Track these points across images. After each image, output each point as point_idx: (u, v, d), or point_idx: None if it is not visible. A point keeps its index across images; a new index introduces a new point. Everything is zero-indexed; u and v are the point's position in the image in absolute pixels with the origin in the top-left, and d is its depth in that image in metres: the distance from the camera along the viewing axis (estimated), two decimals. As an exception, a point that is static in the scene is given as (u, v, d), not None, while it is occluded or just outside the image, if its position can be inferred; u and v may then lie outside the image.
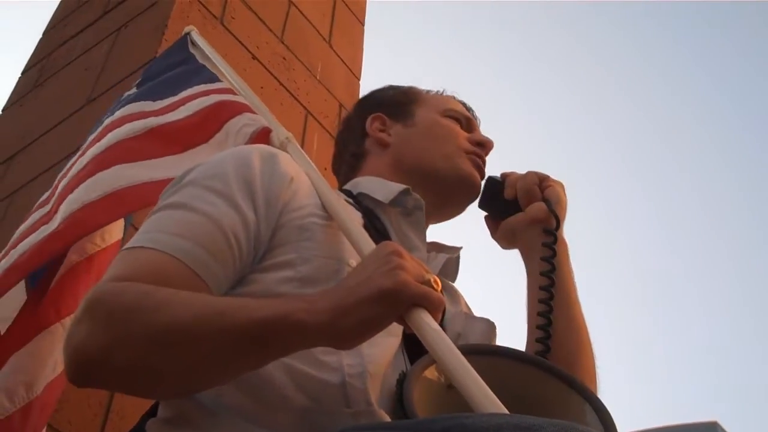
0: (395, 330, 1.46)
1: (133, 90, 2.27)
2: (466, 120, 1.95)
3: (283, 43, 3.35)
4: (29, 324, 1.88)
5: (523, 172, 1.84)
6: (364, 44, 3.97)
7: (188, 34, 2.42)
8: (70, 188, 1.95)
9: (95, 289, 1.32)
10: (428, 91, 2.01)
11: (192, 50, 2.34)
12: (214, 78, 2.20)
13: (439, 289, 1.26)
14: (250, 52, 3.13)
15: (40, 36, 3.79)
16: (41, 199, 2.14)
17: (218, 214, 1.42)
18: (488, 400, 1.12)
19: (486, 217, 1.91)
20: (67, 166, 2.14)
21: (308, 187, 1.58)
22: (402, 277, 1.22)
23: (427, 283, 1.24)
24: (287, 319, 1.22)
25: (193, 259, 1.36)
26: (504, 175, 1.86)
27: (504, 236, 1.85)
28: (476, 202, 1.89)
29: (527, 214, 1.79)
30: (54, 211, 1.96)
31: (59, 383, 1.91)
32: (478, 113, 1.99)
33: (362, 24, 4.06)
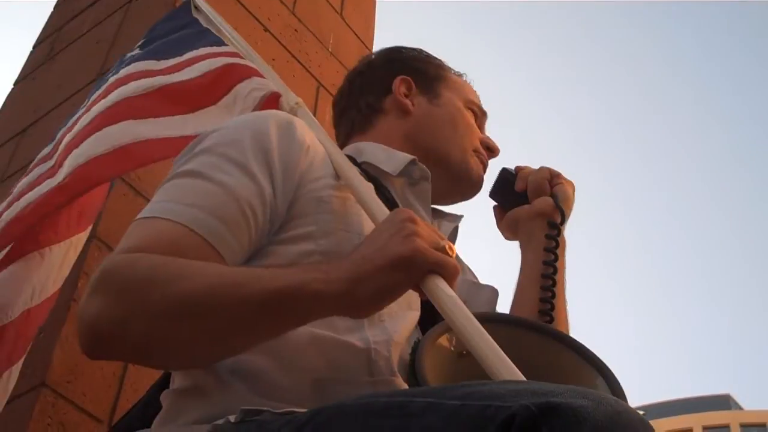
0: (416, 304, 1.48)
1: (137, 50, 2.25)
2: (482, 115, 1.96)
3: (294, 14, 3.34)
4: (6, 252, 1.88)
5: (537, 167, 1.86)
6: (376, 16, 3.96)
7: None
8: (75, 143, 1.94)
9: (108, 261, 1.32)
10: (452, 71, 2.00)
11: (196, 15, 2.32)
12: (219, 41, 2.18)
13: (454, 255, 1.26)
14: (261, 23, 3.12)
15: (52, 9, 3.78)
16: (43, 154, 2.14)
17: (234, 183, 1.41)
18: (505, 367, 1.13)
19: (495, 207, 1.93)
20: (71, 121, 2.13)
21: (322, 154, 1.58)
22: (417, 243, 1.22)
23: (442, 249, 1.25)
24: (304, 289, 1.22)
25: (208, 230, 1.36)
26: (518, 168, 1.88)
27: (507, 226, 1.88)
28: (487, 191, 1.92)
29: (533, 206, 1.81)
30: (59, 165, 1.95)
31: (40, 313, 1.92)
32: (489, 92, 2.00)
33: (374, -5, 4.04)
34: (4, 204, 2.00)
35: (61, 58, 3.33)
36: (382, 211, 1.44)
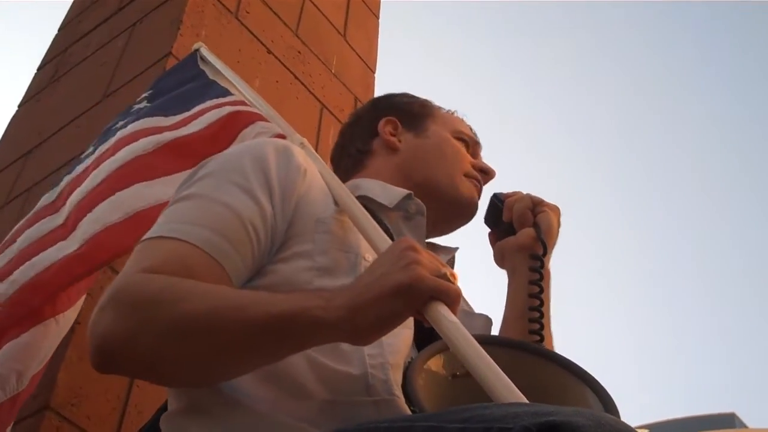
0: (409, 321, 1.48)
1: (144, 104, 2.28)
2: (473, 144, 1.98)
3: (297, 36, 3.35)
4: (20, 309, 1.89)
5: (524, 193, 1.87)
6: (379, 38, 3.97)
7: (197, 50, 2.42)
8: (87, 205, 1.97)
9: (120, 279, 1.35)
10: (440, 108, 2.03)
11: (202, 66, 2.35)
12: (225, 92, 2.21)
13: (456, 282, 1.26)
14: (265, 46, 3.13)
15: (56, 32, 3.80)
16: (46, 202, 2.15)
17: (237, 204, 1.44)
18: (507, 390, 1.14)
19: (489, 234, 1.94)
20: (76, 172, 2.14)
21: (321, 182, 1.60)
22: (418, 271, 1.23)
23: (443, 276, 1.25)
24: (304, 315, 1.23)
25: (214, 249, 1.38)
26: (506, 196, 1.88)
27: (496, 256, 1.89)
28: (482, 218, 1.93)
29: (517, 239, 1.82)
30: (71, 227, 1.97)
31: (37, 378, 1.91)
32: (489, 108, 2.02)
33: (377, 17, 4.06)
34: (10, 254, 2.01)
35: (65, 80, 3.35)
36: (380, 236, 1.46)
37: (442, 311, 1.23)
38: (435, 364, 1.34)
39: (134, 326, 1.27)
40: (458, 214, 1.89)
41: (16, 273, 1.94)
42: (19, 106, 3.52)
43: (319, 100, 3.25)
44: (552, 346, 1.75)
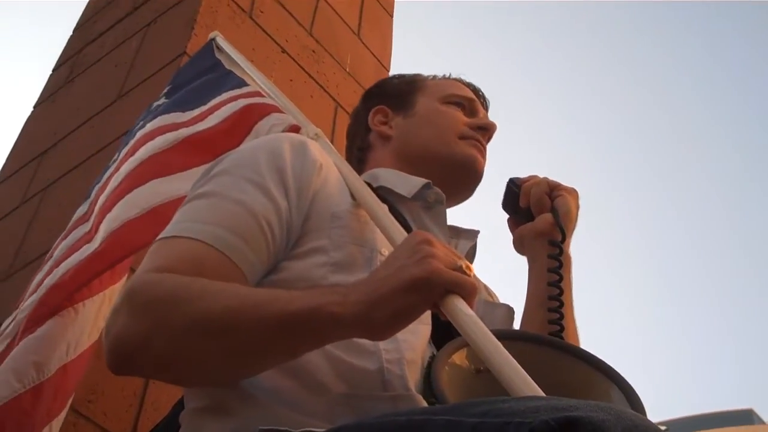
0: (426, 318, 1.48)
1: (162, 100, 2.28)
2: (469, 103, 1.94)
3: (312, 35, 3.36)
4: (41, 309, 1.89)
5: (541, 177, 1.84)
6: (393, 36, 3.97)
7: (213, 39, 2.42)
8: (109, 206, 1.97)
9: (134, 280, 1.35)
10: (434, 77, 2.01)
11: (218, 56, 2.35)
12: (242, 83, 2.21)
13: (472, 274, 1.26)
14: (279, 45, 3.14)
15: (71, 33, 3.81)
16: (80, 213, 2.15)
17: (251, 201, 1.44)
18: (525, 384, 1.13)
19: (508, 219, 1.91)
20: (105, 177, 2.15)
21: (337, 176, 1.60)
22: (434, 265, 1.22)
23: (459, 269, 1.24)
24: (320, 312, 1.22)
25: (229, 247, 1.38)
26: (522, 181, 1.85)
27: (515, 243, 1.87)
28: (500, 202, 1.90)
29: (534, 225, 1.80)
30: (95, 230, 1.98)
31: (77, 368, 1.91)
32: (502, 105, 1.99)
33: (391, 16, 4.06)
34: (45, 269, 2.03)
35: (80, 81, 3.36)
36: (397, 230, 1.45)
37: (459, 305, 1.22)
38: (459, 358, 1.34)
39: (148, 327, 1.27)
40: (463, 176, 1.87)
41: (48, 279, 1.96)
42: (34, 107, 3.54)
43: (333, 99, 3.25)
44: (575, 333, 1.73)
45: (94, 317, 1.97)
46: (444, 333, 1.44)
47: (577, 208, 1.81)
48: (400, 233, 1.43)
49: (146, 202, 1.92)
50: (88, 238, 2.00)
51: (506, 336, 1.35)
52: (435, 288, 1.22)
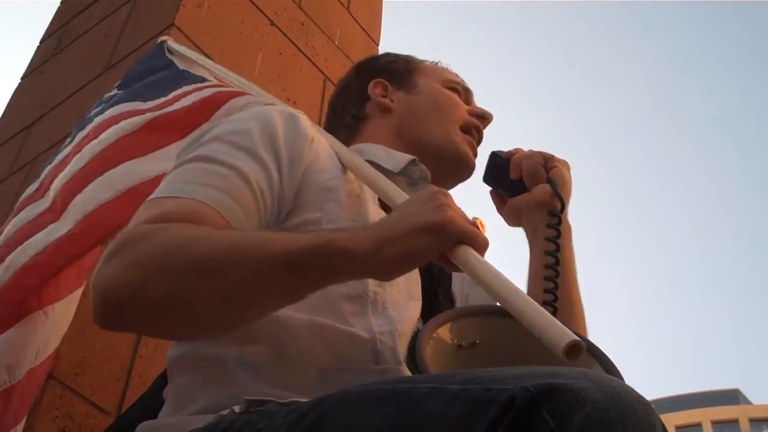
0: (417, 294, 1.50)
1: (115, 91, 2.26)
2: (465, 91, 1.96)
3: (301, 8, 3.34)
4: (11, 309, 1.87)
5: (528, 150, 1.84)
6: (383, 9, 3.96)
7: (164, 42, 2.37)
8: (75, 185, 1.95)
9: (127, 230, 1.32)
10: (424, 61, 2.02)
11: (170, 57, 2.31)
12: (202, 80, 2.18)
13: (484, 232, 1.26)
14: (268, 17, 3.12)
15: (59, 4, 3.79)
16: (29, 192, 2.13)
17: (245, 168, 1.43)
18: (549, 323, 1.10)
19: (491, 192, 1.91)
20: (56, 160, 2.13)
21: (327, 150, 1.60)
22: (450, 213, 1.24)
23: (473, 224, 1.25)
24: (330, 246, 1.22)
25: (224, 207, 1.37)
26: (509, 154, 1.84)
27: (510, 215, 1.86)
28: (481, 176, 1.90)
29: (532, 195, 1.78)
30: (60, 209, 1.96)
31: (40, 373, 1.90)
32: (489, 83, 2.00)
33: (381, -10, 4.04)
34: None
35: (68, 52, 3.34)
36: (397, 191, 1.45)
37: (472, 253, 1.22)
38: (443, 333, 1.35)
39: (144, 275, 1.24)
40: (456, 171, 1.88)
41: (9, 258, 1.92)
42: (21, 79, 3.52)
43: (322, 73, 3.24)
44: (578, 302, 1.74)
45: (60, 321, 1.95)
46: (434, 310, 1.45)
47: (571, 179, 1.82)
48: (401, 194, 1.43)
49: (122, 184, 1.91)
50: (52, 217, 1.97)
51: (487, 311, 1.36)
52: (449, 236, 1.23)
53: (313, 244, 1.23)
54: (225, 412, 1.26)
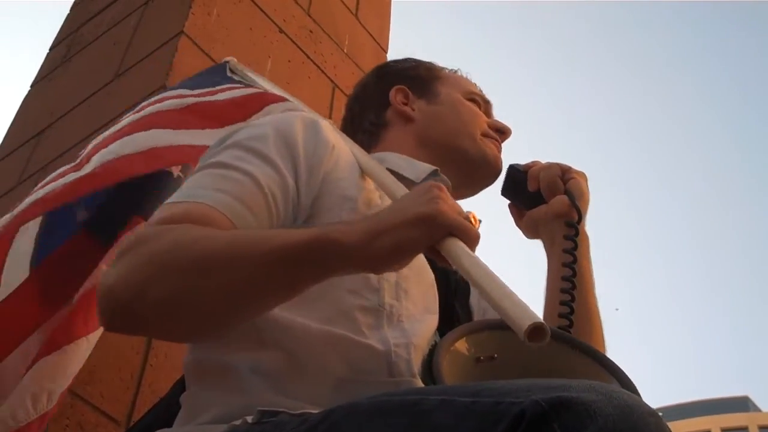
0: (433, 307, 1.50)
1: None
2: (485, 103, 1.96)
3: (310, 16, 3.34)
4: (61, 329, 1.85)
5: (545, 162, 1.84)
6: (392, 17, 3.96)
7: (226, 62, 2.38)
8: (103, 145, 1.97)
9: (137, 232, 1.36)
10: (444, 69, 2.02)
11: (230, 75, 2.33)
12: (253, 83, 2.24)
13: (477, 226, 1.26)
14: (276, 25, 3.12)
15: (68, 11, 3.80)
16: (63, 169, 2.13)
17: (257, 171, 1.44)
18: (515, 305, 1.11)
19: (510, 205, 1.91)
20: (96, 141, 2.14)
21: (348, 156, 1.60)
22: (441, 206, 1.24)
23: (465, 218, 1.26)
24: (323, 239, 1.24)
25: (233, 212, 1.38)
26: (527, 166, 1.85)
27: (528, 227, 1.86)
28: (499, 189, 1.90)
29: (550, 207, 1.79)
30: (85, 162, 1.97)
31: (63, 395, 1.88)
32: (501, 90, 2.00)
33: (389, -3, 4.04)
34: (31, 200, 1.98)
35: (77, 60, 3.35)
36: None
37: (461, 246, 1.23)
38: (461, 346, 1.35)
39: (149, 275, 1.26)
40: (484, 175, 1.88)
41: (26, 200, 1.93)
42: (31, 86, 3.52)
43: (331, 80, 3.24)
44: (594, 317, 1.74)
45: (81, 356, 1.93)
46: (451, 324, 1.45)
47: (588, 191, 1.82)
48: None
49: (145, 144, 1.93)
50: (75, 168, 1.98)
51: (497, 326, 1.35)
52: (439, 227, 1.24)
53: (309, 237, 1.25)
54: (237, 422, 1.26)
